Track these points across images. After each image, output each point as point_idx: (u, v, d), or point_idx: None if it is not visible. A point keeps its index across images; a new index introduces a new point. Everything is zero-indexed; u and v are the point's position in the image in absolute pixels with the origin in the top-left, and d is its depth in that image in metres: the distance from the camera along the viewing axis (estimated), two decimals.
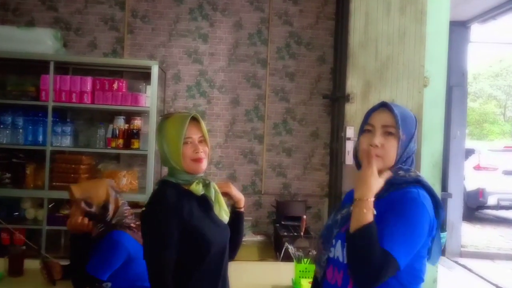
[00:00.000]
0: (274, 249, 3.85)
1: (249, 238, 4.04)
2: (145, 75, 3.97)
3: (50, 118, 3.78)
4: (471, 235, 8.34)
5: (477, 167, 9.90)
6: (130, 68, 4.17)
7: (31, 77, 3.90)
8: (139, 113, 4.03)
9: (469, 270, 6.27)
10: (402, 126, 1.48)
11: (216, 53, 4.47)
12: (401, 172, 1.49)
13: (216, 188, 1.84)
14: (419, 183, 1.48)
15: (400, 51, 3.60)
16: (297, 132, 4.53)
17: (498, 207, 9.76)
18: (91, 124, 4.24)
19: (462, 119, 6.98)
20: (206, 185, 1.81)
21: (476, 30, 7.78)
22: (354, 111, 3.56)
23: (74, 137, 4.08)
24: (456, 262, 6.56)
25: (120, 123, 3.96)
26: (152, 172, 3.79)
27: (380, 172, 1.46)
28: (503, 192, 9.50)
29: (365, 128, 1.55)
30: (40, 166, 3.84)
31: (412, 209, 1.40)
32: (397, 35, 3.61)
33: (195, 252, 1.69)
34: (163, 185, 1.78)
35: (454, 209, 6.86)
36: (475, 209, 10.10)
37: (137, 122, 3.95)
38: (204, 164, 1.78)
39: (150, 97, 3.82)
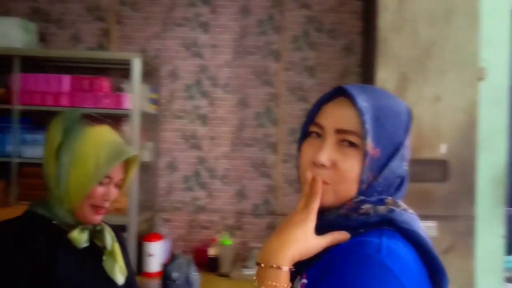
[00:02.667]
0: None
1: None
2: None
3: (16, 125, 3.26)
4: None
5: None
6: (115, 64, 3.56)
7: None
8: (126, 117, 3.41)
9: None
10: (374, 133, 0.83)
11: (219, 45, 3.77)
12: (365, 207, 0.84)
13: (114, 235, 1.41)
14: (390, 223, 0.82)
15: (447, 35, 2.87)
16: None
17: None
18: None
19: None
20: (97, 232, 1.37)
21: None
22: None
23: None
24: None
25: None
26: (137, 189, 3.14)
27: (327, 209, 0.86)
28: None
29: (310, 130, 0.88)
30: (6, 182, 3.30)
31: (361, 278, 0.74)
32: (443, 14, 2.87)
33: None
34: (23, 217, 1.37)
35: None
36: None
37: (123, 127, 3.34)
38: (101, 217, 1.41)
39: (132, 97, 3.22)
